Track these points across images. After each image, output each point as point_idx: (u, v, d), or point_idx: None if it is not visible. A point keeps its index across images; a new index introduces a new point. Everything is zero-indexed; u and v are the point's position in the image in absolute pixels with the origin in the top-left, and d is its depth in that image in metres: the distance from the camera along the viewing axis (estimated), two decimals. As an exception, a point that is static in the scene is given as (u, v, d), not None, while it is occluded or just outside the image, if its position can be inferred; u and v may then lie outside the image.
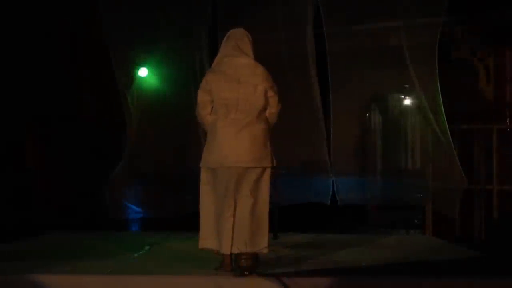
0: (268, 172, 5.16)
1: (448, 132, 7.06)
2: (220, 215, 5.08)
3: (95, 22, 7.37)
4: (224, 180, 5.07)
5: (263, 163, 5.11)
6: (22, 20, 7.32)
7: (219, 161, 5.07)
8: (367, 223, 8.42)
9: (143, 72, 7.82)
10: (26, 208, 7.24)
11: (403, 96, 8.33)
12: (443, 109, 7.04)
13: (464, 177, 7.04)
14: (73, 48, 7.89)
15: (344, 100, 7.50)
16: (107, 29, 7.27)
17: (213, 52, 5.65)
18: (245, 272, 4.91)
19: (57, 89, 7.72)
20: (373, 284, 4.91)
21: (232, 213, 5.05)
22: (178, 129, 7.39)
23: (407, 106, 8.31)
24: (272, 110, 5.23)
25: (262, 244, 5.10)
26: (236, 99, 5.08)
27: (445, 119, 7.05)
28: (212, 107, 5.21)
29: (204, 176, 5.23)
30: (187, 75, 7.35)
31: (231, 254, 5.05)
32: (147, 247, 6.35)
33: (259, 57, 5.22)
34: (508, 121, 7.94)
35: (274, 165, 5.21)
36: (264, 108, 5.18)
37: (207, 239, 5.20)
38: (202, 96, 5.22)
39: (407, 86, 7.84)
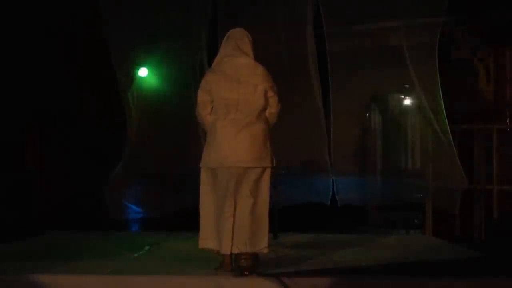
0: (268, 172, 5.16)
1: (449, 132, 7.07)
2: (220, 215, 5.08)
3: (95, 22, 7.38)
4: (224, 180, 5.07)
5: (263, 163, 5.11)
6: (22, 20, 7.32)
7: (219, 161, 5.07)
8: (367, 223, 8.42)
9: (143, 72, 7.83)
10: (26, 208, 7.24)
11: (403, 96, 8.33)
12: (444, 108, 7.04)
13: (464, 177, 7.05)
14: (73, 48, 7.89)
15: (344, 100, 7.51)
16: (108, 29, 7.28)
17: (213, 52, 5.64)
18: (245, 272, 4.91)
19: (57, 89, 7.71)
20: (373, 284, 4.90)
21: (232, 213, 5.04)
22: (178, 129, 7.39)
23: (407, 106, 8.31)
24: (272, 110, 5.23)
25: (262, 244, 5.10)
26: (236, 99, 5.08)
27: (446, 119, 7.06)
28: (212, 107, 5.20)
29: (204, 176, 5.23)
30: (187, 75, 7.35)
31: (231, 254, 5.05)
32: (147, 247, 6.34)
33: (259, 57, 5.22)
34: (508, 121, 7.95)
35: (274, 165, 5.21)
36: (264, 108, 5.18)
37: (207, 239, 5.20)
38: (202, 96, 5.21)
39: (407, 86, 7.85)
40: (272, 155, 5.19)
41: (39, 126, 7.90)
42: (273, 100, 5.20)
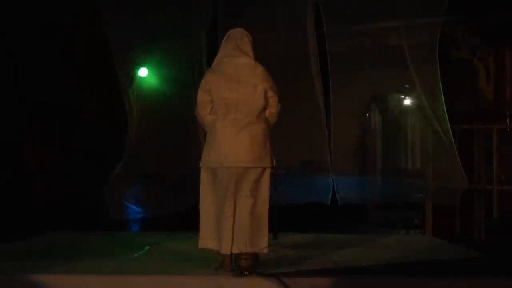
0: (268, 172, 5.16)
1: (450, 131, 7.08)
2: (220, 215, 5.08)
3: (96, 22, 7.37)
4: (224, 180, 5.07)
5: (262, 163, 5.11)
6: (22, 20, 7.32)
7: (219, 161, 5.07)
8: (367, 223, 8.42)
9: (143, 72, 7.82)
10: (26, 208, 7.23)
11: (403, 96, 8.33)
12: (445, 108, 7.05)
13: (464, 177, 7.05)
14: (73, 48, 7.89)
15: (344, 100, 7.51)
16: (108, 29, 7.28)
17: (213, 52, 5.65)
18: (245, 272, 4.91)
19: (57, 89, 7.71)
20: (373, 284, 4.90)
21: (232, 213, 5.04)
22: (178, 129, 7.39)
23: (407, 106, 8.31)
24: (272, 110, 5.23)
25: (262, 244, 5.10)
26: (236, 99, 5.08)
27: (447, 119, 7.06)
28: (212, 107, 5.20)
29: (204, 176, 5.23)
30: (187, 75, 7.35)
31: (231, 254, 5.05)
32: (147, 247, 6.34)
33: (259, 57, 5.22)
34: (508, 121, 7.95)
35: (274, 165, 5.21)
36: (264, 108, 5.18)
37: (207, 239, 5.20)
38: (201, 96, 5.21)
39: (407, 86, 7.85)
40: (272, 155, 5.19)
41: (39, 126, 7.90)
42: (273, 100, 5.20)
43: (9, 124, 7.30)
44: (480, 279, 4.95)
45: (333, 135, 7.43)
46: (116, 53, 7.36)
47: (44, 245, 6.60)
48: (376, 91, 8.06)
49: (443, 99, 7.07)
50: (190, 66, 7.41)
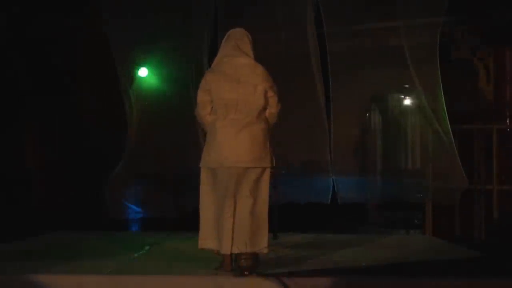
0: (267, 172, 5.16)
1: (450, 132, 7.08)
2: (220, 215, 5.08)
3: (96, 22, 7.37)
4: (224, 180, 5.07)
5: (262, 163, 5.11)
6: (22, 19, 7.32)
7: (219, 161, 5.07)
8: (367, 223, 8.42)
9: (143, 72, 7.83)
10: (26, 208, 7.23)
11: (403, 96, 8.33)
12: (445, 108, 7.05)
13: (464, 177, 7.06)
14: (73, 48, 7.89)
15: (344, 100, 7.51)
16: (108, 29, 7.29)
17: (213, 52, 5.65)
18: (245, 272, 4.91)
19: (57, 89, 7.72)
20: (373, 284, 4.90)
21: (232, 213, 5.04)
22: (178, 129, 7.40)
23: (407, 106, 8.31)
24: (272, 110, 5.23)
25: (262, 244, 5.09)
26: (236, 99, 5.08)
27: (447, 119, 7.07)
28: (212, 107, 5.20)
29: (204, 176, 5.23)
30: (187, 75, 7.36)
31: (231, 254, 5.05)
32: (147, 247, 6.34)
33: (260, 57, 5.22)
34: (508, 121, 7.94)
35: (274, 165, 5.21)
36: (264, 108, 5.18)
37: (207, 239, 5.20)
38: (201, 96, 5.21)
39: (407, 86, 7.85)
40: (272, 155, 5.18)
41: (39, 126, 7.90)
42: (273, 100, 5.20)
43: (9, 124, 7.30)
44: (480, 279, 4.95)
45: (333, 135, 7.44)
46: (116, 53, 7.37)
47: (44, 245, 6.60)
48: (376, 91, 8.07)
49: (443, 99, 7.08)
50: (190, 66, 7.41)
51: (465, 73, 7.97)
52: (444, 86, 7.09)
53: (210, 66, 5.48)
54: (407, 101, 8.29)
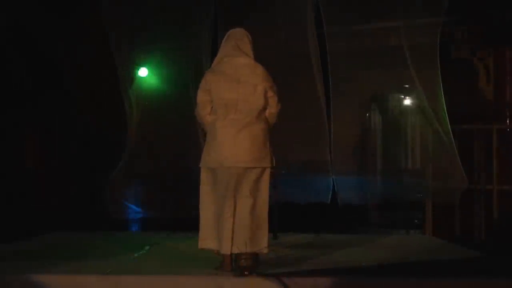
0: (267, 172, 5.16)
1: (451, 131, 7.08)
2: (220, 215, 5.08)
3: (96, 21, 7.37)
4: (224, 180, 5.07)
5: (262, 163, 5.11)
6: (22, 19, 7.32)
7: (218, 161, 5.07)
8: (367, 223, 8.42)
9: (143, 72, 7.83)
10: (26, 208, 7.23)
11: (403, 96, 8.33)
12: (445, 108, 7.05)
13: (464, 176, 7.05)
14: (73, 47, 7.89)
15: (344, 100, 7.51)
16: (108, 29, 7.28)
17: (213, 52, 5.64)
18: (245, 272, 4.91)
19: (57, 89, 7.72)
20: (373, 284, 4.90)
21: (232, 213, 5.04)
22: (178, 129, 7.40)
23: (407, 106, 8.31)
24: (272, 110, 5.23)
25: (262, 244, 5.10)
26: (236, 99, 5.08)
27: (448, 119, 7.07)
28: (212, 107, 5.20)
29: (204, 176, 5.23)
30: (187, 75, 7.35)
31: (231, 254, 5.05)
32: (147, 247, 6.34)
33: (260, 57, 5.22)
34: (508, 121, 7.94)
35: (274, 165, 5.21)
36: (264, 108, 5.18)
37: (207, 239, 5.20)
38: (201, 96, 5.21)
39: (407, 86, 7.85)
40: (272, 155, 5.19)
41: (39, 126, 7.90)
42: (273, 100, 5.20)
43: (9, 124, 7.30)
44: (480, 279, 4.95)
45: (333, 135, 7.43)
46: (116, 53, 7.36)
47: (44, 245, 6.60)
48: (376, 91, 8.07)
49: (443, 99, 7.08)
50: (190, 66, 7.41)
51: (465, 73, 7.97)
52: (444, 86, 7.09)
53: (210, 66, 5.48)
54: (407, 101, 8.30)
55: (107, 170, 7.39)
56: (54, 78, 7.69)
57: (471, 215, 7.74)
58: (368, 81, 7.60)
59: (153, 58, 7.78)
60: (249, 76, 5.10)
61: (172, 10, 7.33)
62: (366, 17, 7.38)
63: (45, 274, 4.95)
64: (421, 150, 8.00)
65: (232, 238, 5.01)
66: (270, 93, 5.16)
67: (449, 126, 7.12)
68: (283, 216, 6.81)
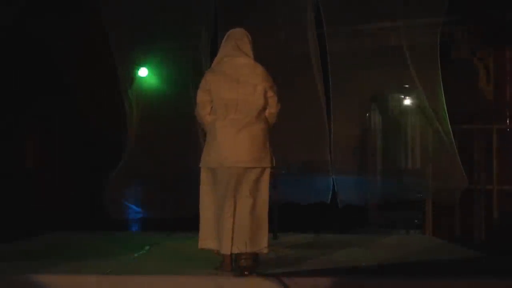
0: (267, 172, 5.16)
1: (451, 131, 7.08)
2: (220, 215, 5.08)
3: (96, 21, 7.37)
4: (224, 180, 5.07)
5: (262, 163, 5.11)
6: (22, 19, 7.32)
7: (218, 161, 5.07)
8: (367, 223, 8.42)
9: (143, 72, 7.83)
10: (26, 208, 7.23)
11: (403, 96, 8.33)
12: (445, 108, 7.05)
13: (464, 176, 7.05)
14: (73, 47, 7.89)
15: (344, 100, 7.51)
16: (108, 29, 7.28)
17: (213, 52, 5.64)
18: (245, 272, 4.91)
19: (57, 89, 7.72)
20: (373, 284, 4.90)
21: (232, 213, 5.04)
22: (178, 129, 7.39)
23: (407, 106, 8.31)
24: (272, 110, 5.23)
25: (262, 244, 5.10)
26: (236, 99, 5.08)
27: (448, 119, 7.07)
28: (212, 107, 5.20)
29: (204, 176, 5.23)
30: (187, 75, 7.35)
31: (231, 254, 5.05)
32: (147, 247, 6.34)
33: (260, 57, 5.22)
34: (508, 121, 7.94)
35: (274, 165, 5.21)
36: (264, 108, 5.18)
37: (207, 239, 5.20)
38: (201, 96, 5.22)
39: (407, 86, 7.85)
40: (272, 155, 5.19)
41: (39, 126, 7.90)
42: (273, 100, 5.20)
43: (9, 124, 7.30)
44: (480, 279, 4.95)
45: (333, 135, 7.43)
46: (116, 53, 7.36)
47: (44, 245, 6.60)
48: (376, 91, 8.06)
49: (443, 99, 7.08)
50: (190, 66, 7.41)
51: (465, 73, 7.97)
52: (444, 86, 7.09)
53: (210, 66, 5.48)
54: (407, 101, 8.29)
55: (107, 170, 7.39)
56: (54, 78, 7.68)
57: (471, 215, 7.74)
58: (368, 81, 7.60)
59: (153, 58, 7.78)
60: (249, 76, 5.10)
61: (172, 10, 7.33)
62: (366, 17, 7.38)
63: (45, 274, 4.95)
64: (421, 150, 8.00)
65: (232, 238, 5.01)
66: (270, 93, 5.16)
67: (449, 126, 7.12)
68: (283, 216, 6.81)
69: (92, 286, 4.87)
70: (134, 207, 7.70)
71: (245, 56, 5.16)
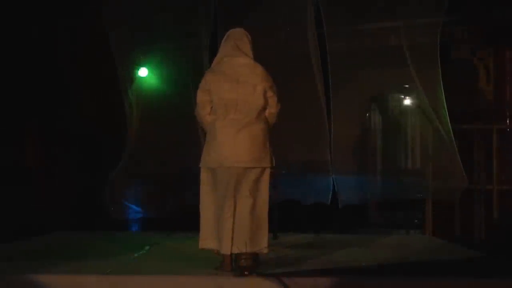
0: (267, 172, 5.16)
1: (451, 131, 7.08)
2: (220, 215, 5.08)
3: (96, 22, 7.37)
4: (224, 180, 5.07)
5: (262, 163, 5.11)
6: (23, 19, 7.32)
7: (218, 161, 5.07)
8: (367, 223, 8.42)
9: (143, 72, 7.83)
10: (26, 208, 7.24)
11: (403, 96, 8.33)
12: (446, 108, 7.05)
13: (464, 176, 7.05)
14: (73, 47, 7.89)
15: (344, 100, 7.50)
16: (108, 29, 7.28)
17: (213, 52, 5.64)
18: (245, 272, 4.91)
19: (57, 89, 7.72)
20: (373, 284, 4.90)
21: (232, 213, 5.04)
22: (178, 129, 7.39)
23: (407, 106, 8.31)
24: (272, 110, 5.23)
25: (262, 244, 5.10)
26: (235, 99, 5.08)
27: (448, 118, 7.07)
28: (212, 107, 5.20)
29: (204, 176, 5.24)
30: (187, 75, 7.35)
31: (231, 254, 5.05)
32: (147, 247, 6.34)
33: (260, 57, 5.22)
34: (508, 121, 7.94)
35: (274, 165, 5.21)
36: (264, 108, 5.18)
37: (207, 239, 5.20)
38: (201, 96, 5.22)
39: (407, 86, 7.85)
40: (272, 155, 5.19)
41: (39, 126, 7.90)
42: (273, 100, 5.20)
43: (9, 124, 7.30)
44: (480, 279, 4.95)
45: (333, 135, 7.43)
46: (116, 53, 7.36)
47: (44, 245, 6.60)
48: (376, 91, 8.06)
49: (443, 98, 7.08)
50: (190, 66, 7.41)
51: (465, 73, 7.97)
52: (444, 86, 7.09)
53: (210, 66, 5.49)
54: (407, 101, 8.29)
55: (107, 170, 7.39)
56: (54, 78, 7.68)
57: (471, 215, 7.74)
58: (368, 81, 7.60)
59: (153, 58, 7.78)
60: (249, 76, 5.10)
61: (172, 10, 7.33)
62: (366, 17, 7.38)
63: (45, 274, 4.95)
64: (421, 150, 7.99)
65: (232, 238, 5.02)
66: (269, 93, 5.16)
67: (450, 125, 7.12)
68: (283, 216, 6.81)
69: (92, 286, 4.87)
70: (134, 207, 7.70)
71: (245, 56, 5.16)
